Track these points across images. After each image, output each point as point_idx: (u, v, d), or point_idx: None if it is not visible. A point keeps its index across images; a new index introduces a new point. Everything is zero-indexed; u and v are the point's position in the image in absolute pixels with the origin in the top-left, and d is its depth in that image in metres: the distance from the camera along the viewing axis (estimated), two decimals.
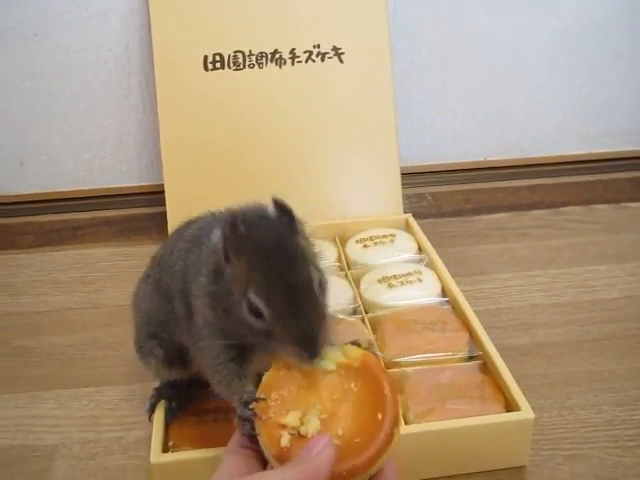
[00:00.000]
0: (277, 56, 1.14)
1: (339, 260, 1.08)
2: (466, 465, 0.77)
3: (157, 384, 0.81)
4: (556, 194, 1.34)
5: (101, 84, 1.26)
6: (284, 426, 0.52)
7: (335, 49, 1.15)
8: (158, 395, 0.79)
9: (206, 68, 1.14)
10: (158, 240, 1.21)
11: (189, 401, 0.79)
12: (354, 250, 1.09)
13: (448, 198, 1.33)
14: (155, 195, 1.30)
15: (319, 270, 0.59)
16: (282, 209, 0.59)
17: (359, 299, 0.98)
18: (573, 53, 1.34)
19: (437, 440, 0.75)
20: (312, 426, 0.52)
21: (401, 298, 0.96)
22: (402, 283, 0.99)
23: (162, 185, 1.26)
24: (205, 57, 1.14)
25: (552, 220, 1.27)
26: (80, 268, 1.18)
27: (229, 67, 1.14)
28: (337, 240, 1.12)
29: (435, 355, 0.86)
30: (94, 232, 1.27)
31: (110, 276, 1.15)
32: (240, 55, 1.14)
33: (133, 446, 0.82)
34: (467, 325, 0.90)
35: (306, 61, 1.15)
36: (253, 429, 0.55)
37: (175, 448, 0.74)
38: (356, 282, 1.02)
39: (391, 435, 0.52)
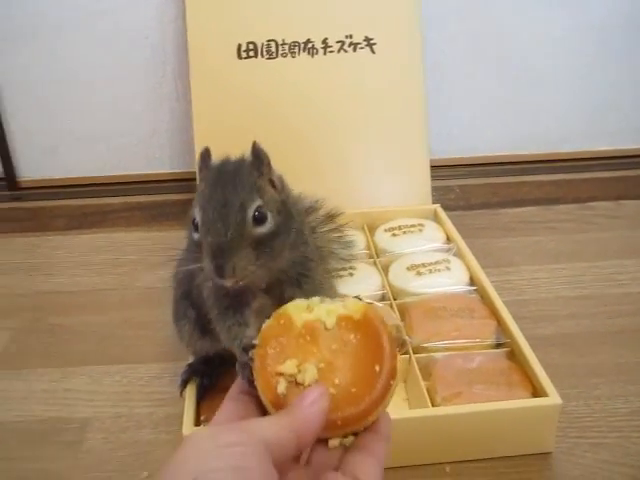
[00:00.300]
0: (309, 45, 1.16)
1: (368, 248, 1.09)
2: (492, 449, 0.78)
3: (190, 360, 0.82)
4: (584, 189, 1.34)
5: (136, 72, 1.29)
6: (281, 373, 0.52)
7: (367, 39, 1.16)
8: (190, 371, 0.81)
9: (239, 56, 1.16)
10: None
11: (220, 378, 0.80)
12: (383, 238, 1.10)
13: (476, 191, 1.34)
14: (186, 182, 1.33)
15: (272, 209, 0.61)
16: (254, 152, 0.64)
17: (387, 286, 0.99)
18: (605, 49, 1.35)
19: (464, 423, 0.76)
20: (309, 374, 0.52)
21: (429, 286, 0.97)
22: (430, 271, 1.00)
23: (193, 172, 1.28)
24: (239, 45, 1.15)
25: (579, 215, 1.27)
26: (111, 251, 1.20)
27: (262, 56, 1.16)
28: (366, 228, 1.13)
29: (462, 341, 0.87)
30: (125, 217, 1.30)
31: (141, 259, 1.17)
32: (273, 44, 1.16)
33: (163, 421, 0.84)
34: (495, 313, 0.91)
35: (338, 51, 1.16)
36: (252, 375, 0.55)
37: (207, 422, 0.76)
38: (384, 270, 1.03)
39: (387, 387, 0.52)
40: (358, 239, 1.08)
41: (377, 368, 0.52)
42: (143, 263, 1.16)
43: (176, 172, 1.37)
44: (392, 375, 0.52)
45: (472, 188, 1.34)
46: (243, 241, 0.58)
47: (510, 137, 1.40)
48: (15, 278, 1.13)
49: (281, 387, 0.52)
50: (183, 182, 1.34)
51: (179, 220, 1.27)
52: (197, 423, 0.76)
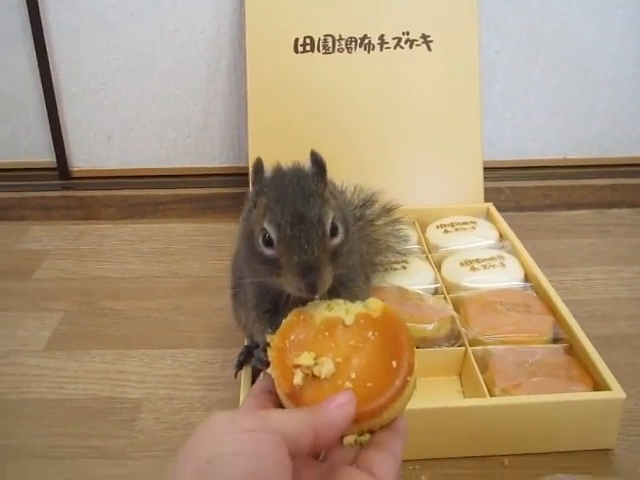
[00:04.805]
0: (366, 41, 1.16)
1: (419, 244, 1.08)
2: (552, 443, 0.76)
3: (246, 343, 0.82)
4: (637, 194, 1.32)
5: (191, 65, 1.29)
6: (298, 365, 0.52)
7: (424, 37, 1.16)
8: (247, 353, 0.80)
9: (296, 51, 1.16)
10: (237, 219, 1.23)
11: None
12: (435, 235, 1.10)
13: (527, 193, 1.32)
14: (235, 177, 1.33)
15: (339, 219, 0.61)
16: (316, 162, 0.63)
17: (440, 280, 0.98)
18: None
19: (524, 415, 0.74)
20: (326, 367, 0.52)
21: (484, 281, 0.96)
22: (485, 267, 0.98)
23: (242, 167, 1.30)
24: (296, 40, 1.16)
25: (634, 219, 1.25)
26: (161, 240, 1.21)
27: (319, 50, 1.16)
28: (417, 225, 1.12)
29: (520, 335, 0.86)
30: (175, 208, 1.30)
31: (190, 249, 1.18)
32: (330, 39, 1.16)
33: (216, 405, 0.84)
34: (552, 309, 0.90)
35: (394, 47, 1.16)
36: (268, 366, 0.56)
37: None
38: (437, 265, 1.02)
39: (404, 382, 0.51)
40: (410, 235, 1.07)
41: (394, 364, 0.52)
42: (193, 253, 1.17)
43: (225, 166, 1.37)
44: (409, 371, 0.52)
45: (523, 190, 1.33)
46: (326, 256, 0.58)
47: (562, 140, 1.38)
48: (65, 263, 1.14)
49: (297, 378, 0.51)
50: (232, 176, 1.34)
51: (227, 213, 1.28)
52: None
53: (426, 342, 0.86)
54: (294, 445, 0.45)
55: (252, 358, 0.80)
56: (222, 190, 1.33)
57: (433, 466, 0.75)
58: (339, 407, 0.48)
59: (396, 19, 1.16)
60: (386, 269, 0.98)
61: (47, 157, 1.36)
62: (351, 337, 0.55)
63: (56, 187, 1.35)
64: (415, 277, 0.98)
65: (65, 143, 1.34)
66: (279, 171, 0.64)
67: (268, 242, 0.59)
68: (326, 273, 0.58)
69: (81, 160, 1.36)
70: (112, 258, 1.16)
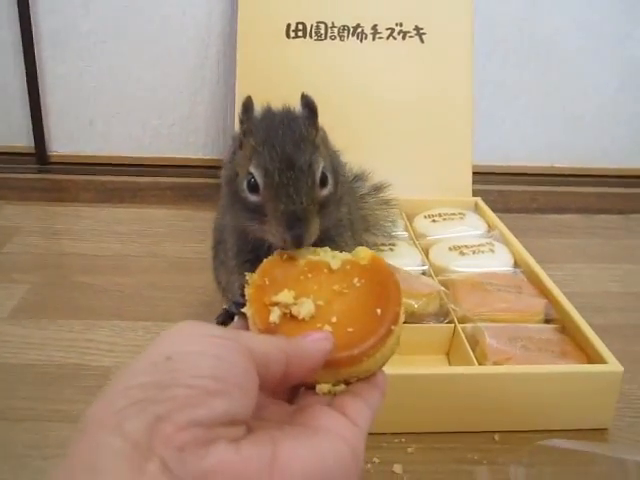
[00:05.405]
0: (359, 30, 1.15)
1: (406, 231, 1.05)
2: (545, 421, 0.73)
3: (225, 306, 0.78)
4: (626, 202, 1.31)
5: (179, 51, 1.27)
6: (276, 303, 0.48)
7: (417, 29, 1.15)
8: (226, 315, 0.76)
9: (288, 36, 1.14)
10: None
11: None
12: (422, 224, 1.07)
13: (515, 197, 1.31)
14: (220, 169, 1.29)
15: (329, 169, 0.57)
16: (307, 105, 0.59)
17: (428, 263, 0.95)
18: None
19: (516, 385, 0.71)
20: (305, 308, 0.48)
21: (473, 266, 0.93)
22: (474, 252, 0.96)
23: None
24: (288, 25, 1.14)
25: (623, 224, 1.23)
26: (140, 224, 1.16)
27: (310, 37, 1.15)
28: (404, 215, 1.10)
29: (511, 313, 0.83)
30: (157, 195, 1.26)
31: (169, 232, 1.14)
32: (322, 26, 1.15)
33: None
34: (544, 291, 0.87)
35: (387, 38, 1.15)
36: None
37: None
38: (425, 252, 0.99)
39: (388, 331, 0.47)
40: (398, 220, 1.04)
41: (379, 312, 0.48)
42: (172, 236, 1.13)
43: (209, 158, 1.34)
44: (394, 321, 0.47)
45: (511, 194, 1.31)
46: (314, 207, 0.55)
47: (550, 148, 1.37)
48: (37, 240, 1.10)
49: (274, 316, 0.47)
50: (216, 169, 1.30)
51: (210, 201, 1.24)
52: None
53: (414, 317, 0.82)
54: (264, 366, 0.40)
55: (230, 321, 0.76)
56: (206, 180, 1.29)
57: (421, 439, 0.71)
58: (314, 341, 0.44)
59: (390, 10, 1.15)
60: (373, 250, 0.94)
61: (25, 141, 1.32)
62: (335, 282, 0.51)
63: (32, 171, 1.31)
64: (403, 258, 0.95)
65: (45, 127, 1.31)
66: (269, 112, 0.60)
67: (253, 188, 0.55)
68: (313, 225, 0.54)
69: (61, 144, 1.33)
70: (87, 237, 1.11)
